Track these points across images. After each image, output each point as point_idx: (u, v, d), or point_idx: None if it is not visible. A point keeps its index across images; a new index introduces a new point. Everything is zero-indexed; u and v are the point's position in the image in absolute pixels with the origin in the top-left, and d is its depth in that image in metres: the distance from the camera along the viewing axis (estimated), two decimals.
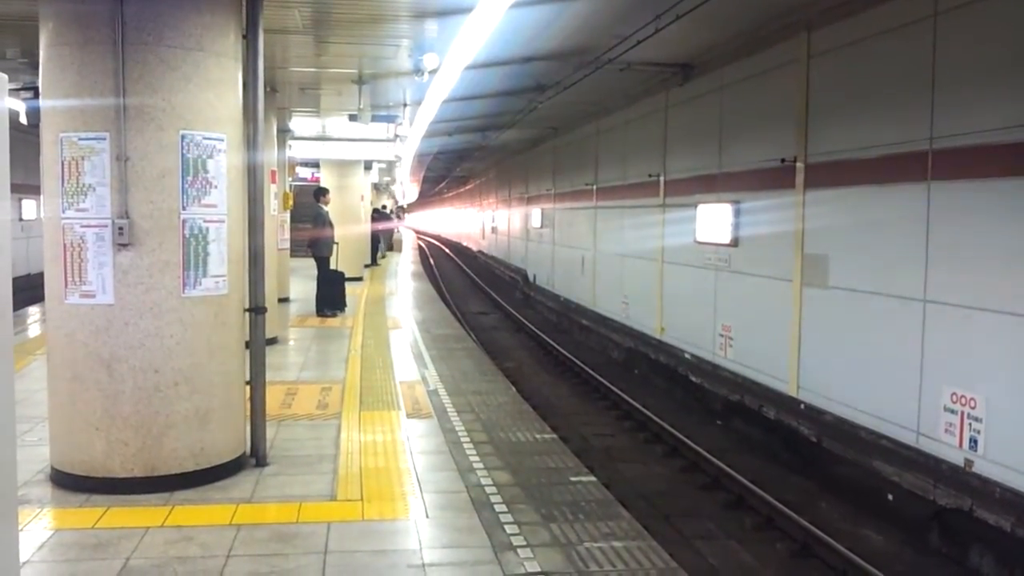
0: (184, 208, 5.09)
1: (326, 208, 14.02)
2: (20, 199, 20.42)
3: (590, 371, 13.57)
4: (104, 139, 4.93)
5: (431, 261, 39.44)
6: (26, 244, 20.59)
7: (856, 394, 8.05)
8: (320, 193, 14.22)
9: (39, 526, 4.53)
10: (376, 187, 31.36)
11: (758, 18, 9.36)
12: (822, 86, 8.74)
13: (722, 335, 10.95)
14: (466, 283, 32.05)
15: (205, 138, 5.14)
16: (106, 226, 4.96)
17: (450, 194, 58.10)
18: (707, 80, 11.50)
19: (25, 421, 6.54)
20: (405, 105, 13.05)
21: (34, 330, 11.46)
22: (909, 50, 7.34)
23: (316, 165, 22.06)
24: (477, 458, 5.90)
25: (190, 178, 5.09)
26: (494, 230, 35.09)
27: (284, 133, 14.38)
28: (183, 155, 5.06)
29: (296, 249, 17.71)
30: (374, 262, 25.96)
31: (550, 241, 21.99)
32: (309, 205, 15.37)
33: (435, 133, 18.29)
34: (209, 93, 5.17)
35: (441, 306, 16.64)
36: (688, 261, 12.04)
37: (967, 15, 6.73)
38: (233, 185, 5.36)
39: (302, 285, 16.57)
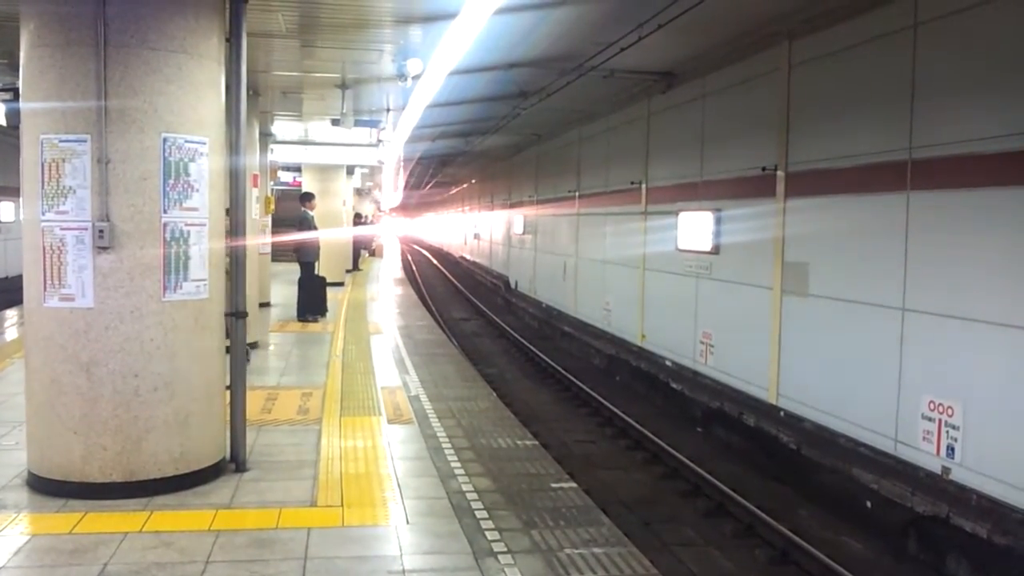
0: (165, 211, 5.05)
1: (312, 213, 13.98)
2: None
3: (571, 378, 13.58)
4: (85, 141, 4.89)
5: (413, 267, 39.40)
6: (3, 246, 20.41)
7: (835, 401, 8.10)
8: (306, 198, 14.17)
9: (15, 531, 4.48)
10: (358, 192, 31.28)
11: (740, 27, 9.42)
12: (803, 95, 8.81)
13: (703, 342, 11.00)
14: (448, 289, 32.03)
15: (187, 141, 5.11)
16: (86, 229, 4.92)
17: (433, 200, 58.03)
18: (689, 88, 11.58)
19: (2, 425, 6.48)
20: (388, 110, 13.02)
21: (12, 333, 11.35)
22: (889, 60, 7.42)
23: (298, 169, 21.99)
24: (458, 464, 5.89)
25: (171, 181, 5.06)
26: (476, 236, 35.10)
27: (266, 137, 14.33)
28: (165, 158, 5.03)
29: (279, 253, 17.66)
30: (356, 267, 25.90)
31: (532, 247, 22.02)
32: (293, 209, 15.31)
33: (418, 138, 18.27)
34: (191, 96, 5.14)
35: (423, 311, 16.61)
36: (669, 268, 12.09)
37: (947, 26, 6.82)
38: (215, 189, 5.34)
39: (283, 290, 16.50)
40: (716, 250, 10.63)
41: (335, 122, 12.99)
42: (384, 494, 5.21)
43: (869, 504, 7.39)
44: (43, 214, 4.97)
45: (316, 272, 14.04)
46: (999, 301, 6.21)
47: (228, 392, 5.64)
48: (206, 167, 5.22)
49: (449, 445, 6.38)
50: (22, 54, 5.09)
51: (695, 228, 11.09)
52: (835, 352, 8.17)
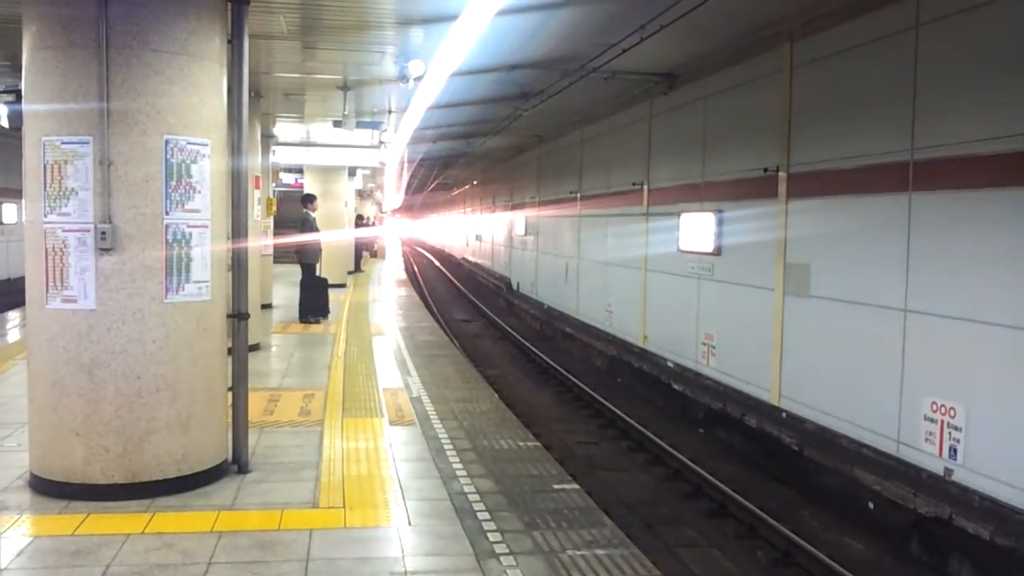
0: (167, 213, 5.06)
1: (313, 214, 13.99)
2: (0, 203, 20.26)
3: (573, 379, 13.57)
4: (87, 143, 4.90)
5: (415, 269, 39.40)
6: (6, 248, 20.44)
7: (837, 403, 8.10)
8: (308, 200, 14.18)
9: (17, 533, 4.48)
10: (360, 193, 31.30)
11: (742, 29, 9.42)
12: (805, 96, 8.81)
13: (704, 343, 10.99)
14: (450, 290, 32.03)
15: (189, 143, 5.12)
16: (88, 231, 4.92)
17: (435, 201, 58.08)
18: (691, 90, 11.57)
19: (5, 427, 6.49)
20: (390, 111, 13.05)
21: (14, 335, 11.36)
22: (891, 61, 7.41)
23: (300, 171, 22.01)
24: (460, 465, 5.89)
25: (174, 183, 5.06)
26: (478, 237, 35.11)
27: (268, 138, 14.35)
28: (167, 160, 5.04)
29: (280, 255, 17.67)
30: (357, 268, 25.91)
31: (534, 249, 22.02)
32: (295, 211, 15.32)
33: (420, 140, 18.29)
34: (193, 97, 5.15)
35: (424, 313, 16.62)
36: (671, 269, 12.09)
37: (948, 27, 6.82)
38: (217, 190, 5.34)
39: (285, 291, 16.52)
40: (718, 251, 10.63)
41: (337, 124, 13.00)
42: (386, 495, 5.21)
43: (871, 505, 7.38)
44: (45, 216, 4.98)
45: (318, 274, 14.05)
46: (1001, 302, 6.20)
47: (230, 394, 5.64)
48: (208, 169, 5.23)
49: (451, 446, 6.38)
50: (24, 56, 5.09)
51: (697, 229, 11.08)
52: (837, 353, 8.16)
